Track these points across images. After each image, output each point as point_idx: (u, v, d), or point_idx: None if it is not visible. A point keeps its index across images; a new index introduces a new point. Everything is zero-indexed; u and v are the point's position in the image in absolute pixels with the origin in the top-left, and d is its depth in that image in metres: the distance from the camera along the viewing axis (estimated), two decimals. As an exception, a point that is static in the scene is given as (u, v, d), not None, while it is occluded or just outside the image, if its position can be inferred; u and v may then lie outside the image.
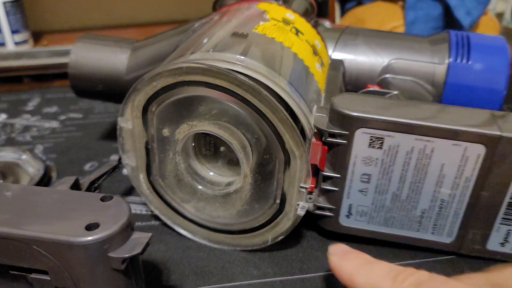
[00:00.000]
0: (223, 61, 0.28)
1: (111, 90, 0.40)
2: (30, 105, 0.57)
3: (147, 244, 0.22)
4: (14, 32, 0.69)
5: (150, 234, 0.23)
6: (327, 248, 0.26)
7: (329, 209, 0.31)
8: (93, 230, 0.21)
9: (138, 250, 0.21)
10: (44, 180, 0.40)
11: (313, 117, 0.29)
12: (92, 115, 0.54)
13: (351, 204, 0.30)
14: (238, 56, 0.28)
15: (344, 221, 0.31)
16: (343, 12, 0.73)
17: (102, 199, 0.23)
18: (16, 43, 0.70)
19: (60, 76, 0.66)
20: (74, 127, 0.51)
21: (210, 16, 0.39)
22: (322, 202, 0.31)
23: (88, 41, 0.40)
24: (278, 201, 0.30)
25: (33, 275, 0.23)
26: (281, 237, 0.31)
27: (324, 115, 0.30)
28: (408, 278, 0.22)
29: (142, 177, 0.32)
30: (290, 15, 0.38)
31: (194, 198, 0.32)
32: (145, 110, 0.30)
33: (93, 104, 0.56)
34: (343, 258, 0.25)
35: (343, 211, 0.31)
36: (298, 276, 0.30)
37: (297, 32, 0.35)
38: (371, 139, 0.28)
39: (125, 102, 0.30)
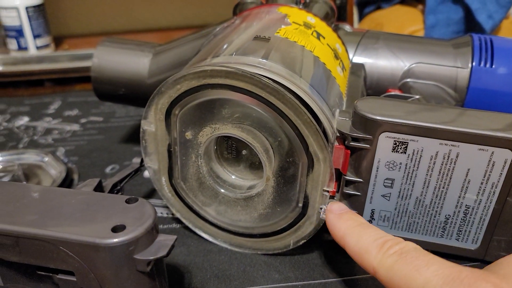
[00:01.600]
0: (246, 64, 0.28)
1: (133, 93, 0.40)
2: (52, 108, 0.57)
3: (172, 247, 0.22)
4: (36, 36, 0.70)
5: (175, 237, 0.23)
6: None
7: (351, 214, 0.31)
8: (119, 232, 0.21)
9: (163, 252, 0.22)
10: (66, 183, 0.40)
11: (335, 121, 0.29)
12: (113, 119, 0.54)
13: (373, 209, 0.30)
14: (260, 59, 0.28)
15: (366, 226, 0.31)
16: (362, 16, 0.72)
17: (127, 201, 0.23)
18: (38, 48, 0.71)
19: (81, 80, 0.67)
20: (95, 130, 0.51)
21: (231, 20, 0.39)
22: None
23: (110, 45, 0.41)
24: (300, 204, 0.29)
25: (60, 276, 0.23)
26: (303, 241, 0.31)
27: (347, 119, 0.30)
28: (394, 247, 0.24)
29: (164, 180, 0.33)
30: (311, 19, 0.38)
31: (215, 201, 0.32)
32: (168, 113, 0.30)
33: (114, 108, 0.57)
34: (338, 217, 0.27)
35: (365, 215, 0.31)
36: (319, 281, 0.30)
37: (318, 36, 0.35)
38: (394, 144, 0.28)
39: (148, 104, 0.30)
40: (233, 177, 0.32)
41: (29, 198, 0.24)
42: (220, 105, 0.29)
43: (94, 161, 0.45)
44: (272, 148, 0.29)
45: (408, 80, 0.39)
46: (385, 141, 0.28)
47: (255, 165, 0.32)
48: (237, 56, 0.29)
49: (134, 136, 0.50)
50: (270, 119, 0.28)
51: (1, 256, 0.23)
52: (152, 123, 0.31)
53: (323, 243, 0.33)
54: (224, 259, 0.32)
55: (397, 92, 0.39)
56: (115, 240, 0.21)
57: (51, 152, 0.44)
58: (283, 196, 0.30)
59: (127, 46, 0.41)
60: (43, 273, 0.24)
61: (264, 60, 0.28)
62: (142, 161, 0.34)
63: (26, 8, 0.67)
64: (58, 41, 0.78)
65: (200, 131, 0.30)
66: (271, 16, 0.36)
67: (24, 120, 0.54)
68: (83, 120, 0.54)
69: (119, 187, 0.33)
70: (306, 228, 0.30)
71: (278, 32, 0.32)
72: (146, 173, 0.42)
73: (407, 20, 0.62)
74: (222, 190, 0.31)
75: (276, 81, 0.27)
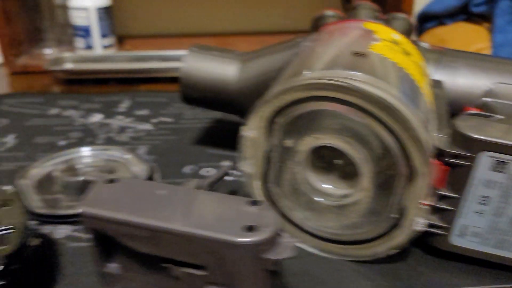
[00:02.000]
0: (352, 79, 0.29)
1: (219, 99, 0.42)
2: (122, 107, 0.60)
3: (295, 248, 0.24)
4: (103, 36, 0.73)
5: (295, 239, 0.24)
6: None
7: (441, 227, 0.32)
8: (252, 232, 0.23)
9: (290, 254, 0.23)
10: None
11: (433, 138, 0.30)
12: (183, 120, 0.56)
13: (465, 225, 0.31)
14: (365, 75, 0.30)
15: (455, 240, 0.32)
16: (421, 31, 0.73)
17: (250, 203, 0.25)
18: (104, 47, 0.74)
19: (143, 80, 0.69)
20: (168, 131, 0.53)
21: (319, 33, 0.40)
22: (435, 220, 0.32)
23: (199, 51, 0.43)
24: (395, 215, 0.31)
25: (185, 270, 0.25)
26: (394, 251, 0.32)
27: (443, 135, 0.31)
28: None
29: (257, 184, 0.34)
30: (395, 36, 0.39)
31: (307, 207, 0.33)
32: (270, 121, 0.32)
33: (181, 110, 0.59)
34: None
35: (456, 230, 0.32)
36: (409, 290, 0.31)
37: (406, 53, 0.36)
38: (494, 163, 0.29)
39: (252, 112, 0.32)
40: (325, 185, 0.33)
41: (156, 195, 0.26)
42: (322, 116, 0.30)
43: (171, 161, 0.47)
44: (371, 160, 0.30)
45: (489, 100, 0.40)
46: (485, 160, 0.29)
47: (348, 175, 0.33)
48: (342, 70, 0.30)
49: (205, 138, 0.52)
50: (373, 132, 0.29)
51: (134, 247, 0.25)
52: (252, 130, 0.32)
53: (408, 254, 0.34)
54: (313, 264, 0.33)
55: (475, 111, 0.40)
56: (249, 239, 0.22)
57: (132, 150, 0.46)
58: (379, 207, 0.31)
59: (216, 53, 0.42)
60: (168, 265, 0.25)
61: (368, 76, 0.30)
62: (232, 165, 0.36)
63: (98, 9, 0.70)
64: (120, 42, 0.81)
65: (300, 140, 0.31)
66: (359, 31, 0.38)
67: (97, 117, 0.57)
68: (154, 120, 0.56)
69: (213, 189, 0.35)
70: (398, 238, 0.31)
71: (372, 48, 0.34)
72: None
73: (473, 38, 0.63)
74: (316, 197, 0.33)
75: (383, 97, 0.28)
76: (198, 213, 0.24)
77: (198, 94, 0.42)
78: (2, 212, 0.29)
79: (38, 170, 0.43)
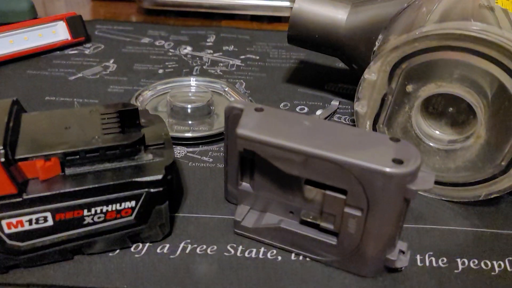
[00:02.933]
0: (490, 32, 0.30)
1: (326, 41, 0.44)
2: (209, 41, 0.62)
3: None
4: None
5: (433, 174, 0.27)
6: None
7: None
8: (399, 164, 0.26)
9: (429, 185, 0.26)
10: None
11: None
12: (268, 59, 0.58)
13: None
14: (497, 28, 0.31)
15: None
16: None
17: (391, 139, 0.28)
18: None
19: (225, 16, 0.70)
20: (256, 68, 0.56)
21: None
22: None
23: (309, -7, 0.44)
24: (504, 163, 0.33)
25: (329, 192, 0.28)
26: (494, 195, 0.35)
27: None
28: None
29: (368, 123, 0.37)
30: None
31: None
32: (394, 66, 0.34)
33: (266, 48, 0.61)
34: None
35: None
36: (505, 231, 0.34)
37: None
38: None
39: (378, 57, 0.34)
40: (435, 131, 0.36)
41: (303, 126, 0.29)
42: (446, 65, 0.32)
43: (266, 97, 0.50)
44: (489, 109, 0.32)
45: None
46: None
47: (457, 122, 0.35)
48: (475, 22, 0.32)
49: (293, 77, 0.54)
50: (496, 83, 0.31)
51: (283, 169, 0.28)
52: (374, 73, 0.35)
53: (500, 199, 0.37)
54: (413, 201, 0.36)
55: None
56: (398, 170, 0.25)
57: (231, 84, 0.49)
58: (489, 154, 0.33)
59: (326, -4, 0.44)
60: (312, 187, 0.29)
61: (497, 28, 0.31)
62: (338, 103, 0.39)
63: None
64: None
65: (423, 86, 0.33)
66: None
67: (187, 49, 0.59)
68: (242, 56, 0.58)
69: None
70: (503, 184, 0.34)
71: (497, 2, 0.35)
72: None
73: None
74: (425, 140, 0.35)
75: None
76: (348, 144, 0.27)
77: (306, 35, 0.44)
78: (149, 130, 0.33)
79: (151, 93, 0.47)
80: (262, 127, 0.28)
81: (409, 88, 0.34)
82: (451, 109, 0.35)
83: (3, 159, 0.26)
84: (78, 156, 0.29)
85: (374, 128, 0.37)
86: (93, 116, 0.32)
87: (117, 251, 0.31)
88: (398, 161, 0.26)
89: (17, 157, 0.27)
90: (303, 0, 0.44)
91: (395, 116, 0.36)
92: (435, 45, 0.32)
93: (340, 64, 0.57)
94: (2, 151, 0.26)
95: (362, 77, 0.35)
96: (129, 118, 0.33)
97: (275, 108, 0.31)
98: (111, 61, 0.56)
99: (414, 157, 0.26)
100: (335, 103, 0.38)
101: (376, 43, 0.40)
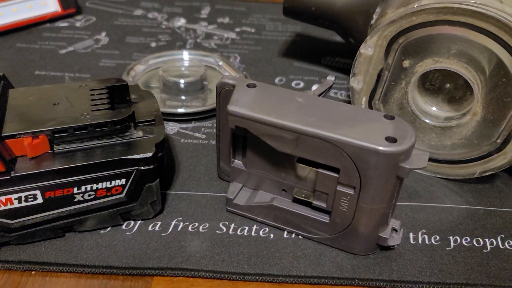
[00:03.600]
0: (487, 6, 0.30)
1: (323, 13, 0.42)
2: (203, 13, 0.61)
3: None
4: None
5: (427, 153, 0.27)
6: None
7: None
8: (392, 142, 0.25)
9: (422, 164, 0.26)
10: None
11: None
12: (264, 32, 0.57)
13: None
14: (498, 2, 0.30)
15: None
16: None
17: (385, 117, 0.27)
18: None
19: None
20: (252, 41, 0.55)
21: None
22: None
23: (305, -37, 0.43)
24: (499, 140, 0.33)
25: (321, 171, 0.28)
26: (489, 173, 0.34)
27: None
28: None
29: (364, 100, 0.36)
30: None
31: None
32: (391, 40, 0.33)
33: (262, 21, 0.59)
34: None
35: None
36: (499, 209, 0.34)
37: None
38: None
39: (374, 31, 0.33)
40: (432, 108, 0.35)
41: (297, 101, 0.28)
42: (443, 40, 0.31)
43: (261, 71, 0.49)
44: (485, 85, 0.32)
45: None
46: None
47: (454, 99, 0.35)
48: (475, -4, 0.31)
49: (289, 51, 0.53)
50: (494, 58, 0.30)
51: (276, 147, 0.28)
52: (370, 48, 0.34)
53: (494, 177, 0.37)
54: (407, 179, 0.36)
55: None
56: (392, 149, 0.25)
57: (225, 57, 0.48)
58: (485, 131, 0.33)
59: (323, -34, 0.42)
60: (303, 165, 0.28)
61: (499, 3, 0.30)
62: (334, 79, 0.38)
63: None
64: None
65: (420, 62, 0.33)
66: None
67: (181, 22, 0.58)
68: (237, 29, 0.57)
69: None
70: (498, 162, 0.34)
71: (498, -25, 0.34)
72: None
73: None
74: (421, 117, 0.35)
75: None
76: (341, 121, 0.27)
77: (302, 7, 0.43)
78: (139, 106, 0.32)
79: (143, 67, 0.46)
80: (254, 104, 0.28)
81: (406, 63, 0.33)
82: (448, 85, 0.35)
83: (-11, 137, 0.25)
84: (66, 133, 0.28)
85: (370, 104, 0.36)
86: (82, 92, 0.31)
87: (109, 228, 0.31)
88: (391, 139, 0.25)
89: (4, 134, 0.27)
90: (299, -29, 0.42)
91: (391, 92, 0.35)
92: (433, 19, 0.31)
93: (337, 38, 0.56)
94: (-12, 128, 0.26)
95: (358, 52, 0.34)
96: (119, 94, 0.32)
97: (268, 84, 0.30)
98: (103, 34, 0.54)
99: (409, 136, 0.26)
100: (330, 78, 0.37)
101: (374, 16, 0.39)
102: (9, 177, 0.27)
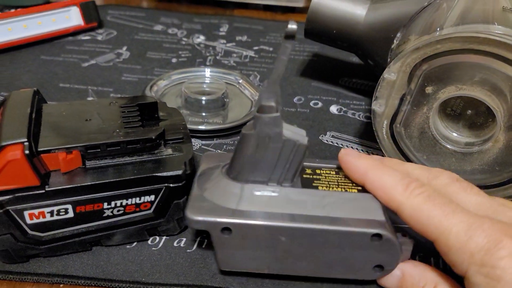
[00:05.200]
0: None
1: (343, 36, 0.43)
2: (222, 31, 0.62)
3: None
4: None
5: (413, 242, 0.28)
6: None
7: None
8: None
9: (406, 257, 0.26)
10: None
11: None
12: (282, 50, 0.58)
13: None
14: (521, 33, 0.31)
15: None
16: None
17: (372, 239, 0.27)
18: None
19: (238, 5, 0.70)
20: (270, 59, 0.56)
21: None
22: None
23: (328, -13, 0.44)
24: (522, 168, 0.33)
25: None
26: (510, 200, 0.35)
27: None
28: (419, 188, 0.26)
29: (385, 123, 0.37)
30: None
31: (431, 150, 0.36)
32: (414, 67, 0.34)
33: (279, 40, 0.61)
34: (358, 157, 0.29)
35: None
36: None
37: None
38: None
39: (398, 57, 0.34)
40: (452, 133, 0.36)
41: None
42: (468, 68, 0.32)
43: (280, 90, 0.49)
44: (509, 113, 0.32)
45: None
46: None
47: (475, 125, 0.35)
48: (499, 26, 0.31)
49: (307, 71, 0.54)
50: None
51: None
52: (394, 73, 0.34)
53: (513, 202, 0.37)
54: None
55: None
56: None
57: (245, 76, 0.49)
58: (507, 158, 0.33)
59: (345, -9, 0.43)
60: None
61: (522, 34, 0.31)
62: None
63: None
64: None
65: (442, 88, 0.33)
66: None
67: (201, 39, 0.59)
68: (255, 47, 0.58)
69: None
70: (518, 188, 0.34)
71: (519, 5, 0.34)
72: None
73: None
74: (442, 142, 0.36)
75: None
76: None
77: (324, 30, 0.44)
78: (167, 123, 0.33)
79: (165, 83, 0.47)
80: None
81: (429, 89, 0.34)
82: (469, 111, 0.35)
83: (27, 152, 0.26)
84: (99, 150, 0.29)
85: (391, 127, 0.37)
86: (112, 108, 0.32)
87: (135, 243, 0.31)
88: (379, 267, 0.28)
89: (40, 149, 0.27)
90: (322, -5, 0.43)
91: (413, 117, 0.36)
92: (458, 47, 0.31)
93: (355, 59, 0.57)
94: (26, 143, 0.26)
95: (381, 77, 0.35)
96: (148, 111, 0.33)
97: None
98: (124, 48, 0.55)
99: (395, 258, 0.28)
100: (292, 26, 0.29)
101: (395, 41, 0.40)
102: (43, 191, 0.27)
